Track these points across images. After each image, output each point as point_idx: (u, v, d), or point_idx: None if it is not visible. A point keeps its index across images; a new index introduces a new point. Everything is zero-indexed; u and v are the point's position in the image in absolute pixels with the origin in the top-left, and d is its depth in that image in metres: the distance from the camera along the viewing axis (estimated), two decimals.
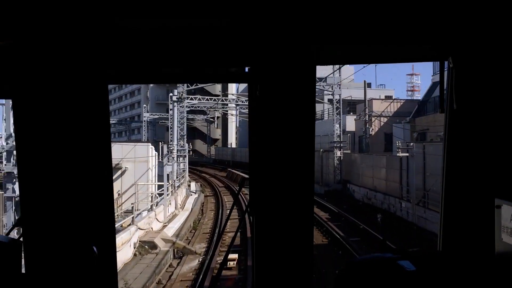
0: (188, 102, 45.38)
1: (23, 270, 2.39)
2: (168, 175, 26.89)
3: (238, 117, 63.16)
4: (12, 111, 2.75)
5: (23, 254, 2.38)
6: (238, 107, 57.25)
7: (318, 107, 58.43)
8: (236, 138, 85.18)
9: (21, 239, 2.39)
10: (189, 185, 40.46)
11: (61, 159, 2.31)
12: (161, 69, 2.50)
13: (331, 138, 38.77)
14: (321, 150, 39.30)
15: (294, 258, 2.41)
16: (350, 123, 47.80)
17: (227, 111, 72.01)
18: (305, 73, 2.31)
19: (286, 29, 2.21)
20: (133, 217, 18.79)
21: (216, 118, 77.35)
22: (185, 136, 41.91)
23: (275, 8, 2.11)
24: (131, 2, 2.06)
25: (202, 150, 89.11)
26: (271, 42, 2.25)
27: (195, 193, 35.40)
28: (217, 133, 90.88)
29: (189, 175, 54.74)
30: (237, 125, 71.78)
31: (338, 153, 36.14)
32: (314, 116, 2.37)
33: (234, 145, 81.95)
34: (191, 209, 28.22)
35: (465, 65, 2.26)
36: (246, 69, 2.44)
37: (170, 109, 42.26)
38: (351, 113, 50.21)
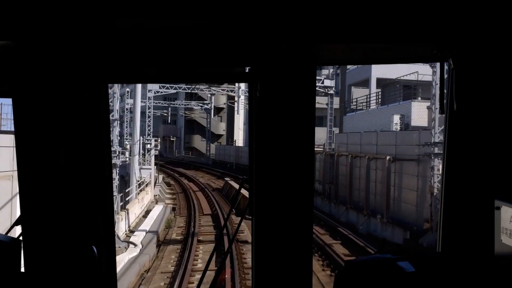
0: None
1: (22, 269, 2.39)
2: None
3: (242, 103, 45.17)
4: (12, 111, 2.32)
5: (22, 253, 2.37)
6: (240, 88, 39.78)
7: (358, 93, 40.67)
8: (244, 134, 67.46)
9: (21, 238, 2.39)
10: (145, 215, 22.75)
11: (61, 159, 2.31)
12: (161, 69, 2.51)
13: (409, 138, 20.85)
14: (388, 158, 21.30)
15: (294, 259, 2.40)
16: (419, 112, 29.56)
17: (233, 102, 54.48)
18: (306, 73, 2.32)
19: (286, 29, 2.19)
20: None
21: (213, 107, 59.98)
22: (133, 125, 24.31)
23: (276, 8, 2.10)
24: (132, 2, 2.07)
25: (202, 147, 71.70)
26: (271, 42, 2.25)
27: (137, 245, 16.19)
28: (220, 128, 73.36)
29: (169, 186, 37.47)
30: (237, 112, 53.76)
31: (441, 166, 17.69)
32: (314, 116, 2.35)
33: (241, 143, 64.30)
34: None
35: (466, 67, 2.25)
36: (247, 69, 2.44)
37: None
38: (418, 98, 31.96)
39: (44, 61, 2.19)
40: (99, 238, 2.34)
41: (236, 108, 47.44)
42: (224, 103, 66.17)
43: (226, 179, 35.93)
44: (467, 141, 2.27)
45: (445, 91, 2.34)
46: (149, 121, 42.47)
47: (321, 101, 46.07)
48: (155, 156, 37.25)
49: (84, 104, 2.27)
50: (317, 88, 35.25)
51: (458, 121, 2.28)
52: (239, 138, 67.74)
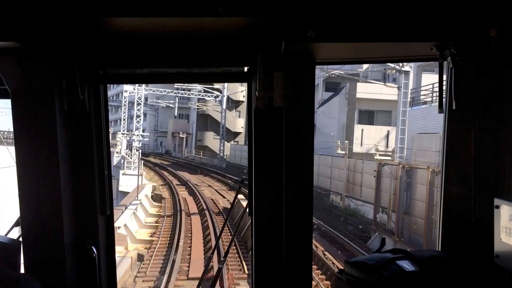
0: None
1: (22, 270, 2.41)
2: None
3: None
4: (11, 111, 2.38)
5: (22, 254, 2.38)
6: None
7: (425, 80, 28.78)
8: None
9: (20, 239, 2.40)
10: None
11: (61, 159, 2.33)
12: (160, 68, 2.57)
13: None
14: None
15: (293, 259, 2.43)
16: None
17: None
18: (305, 72, 2.35)
19: (285, 28, 2.17)
20: None
21: (226, 95, 48.55)
22: None
23: (274, 7, 2.09)
24: (131, 2, 2.08)
25: (215, 146, 60.61)
26: (270, 41, 2.26)
27: None
28: (238, 125, 62.12)
29: (158, 201, 26.33)
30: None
31: None
32: (313, 116, 2.40)
33: None
34: None
35: (464, 66, 2.27)
36: (246, 69, 2.47)
37: None
38: None
39: (43, 61, 2.23)
40: (98, 239, 2.41)
41: None
42: (242, 92, 54.89)
43: (238, 196, 24.51)
44: (466, 140, 2.32)
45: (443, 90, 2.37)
46: (138, 110, 31.39)
47: (368, 90, 34.39)
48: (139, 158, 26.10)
49: (83, 104, 2.33)
50: (383, 67, 24.26)
51: (457, 120, 2.33)
52: None
